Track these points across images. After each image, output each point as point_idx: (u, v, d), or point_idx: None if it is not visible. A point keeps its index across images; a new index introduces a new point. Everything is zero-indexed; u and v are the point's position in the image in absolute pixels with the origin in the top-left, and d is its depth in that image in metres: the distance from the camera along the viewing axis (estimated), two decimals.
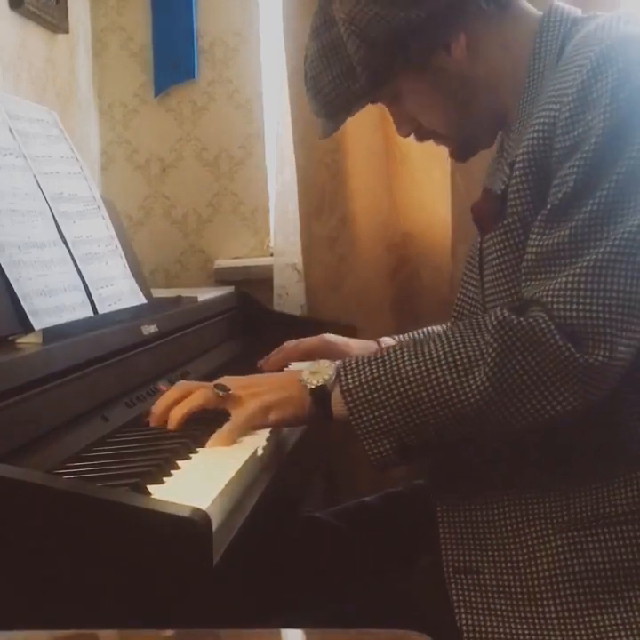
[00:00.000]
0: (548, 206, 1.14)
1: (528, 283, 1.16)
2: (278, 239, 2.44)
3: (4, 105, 1.55)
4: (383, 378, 1.15)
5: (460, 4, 1.23)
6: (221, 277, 2.52)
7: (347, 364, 1.18)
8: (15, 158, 1.50)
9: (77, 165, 1.71)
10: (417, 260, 2.36)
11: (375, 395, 1.14)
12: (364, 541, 1.46)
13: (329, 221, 2.33)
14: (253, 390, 1.23)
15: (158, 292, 1.90)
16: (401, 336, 1.65)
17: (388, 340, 1.65)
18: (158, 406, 1.26)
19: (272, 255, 2.47)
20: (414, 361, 1.14)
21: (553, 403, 1.10)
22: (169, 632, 0.78)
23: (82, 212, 1.64)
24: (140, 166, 2.59)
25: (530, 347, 1.09)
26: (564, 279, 1.11)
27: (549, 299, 1.11)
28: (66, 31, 2.34)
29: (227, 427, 1.21)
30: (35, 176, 1.53)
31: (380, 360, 1.17)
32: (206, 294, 2.05)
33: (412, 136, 1.36)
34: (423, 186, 2.33)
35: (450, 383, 1.12)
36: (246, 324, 2.17)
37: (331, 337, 1.64)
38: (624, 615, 1.13)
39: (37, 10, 2.15)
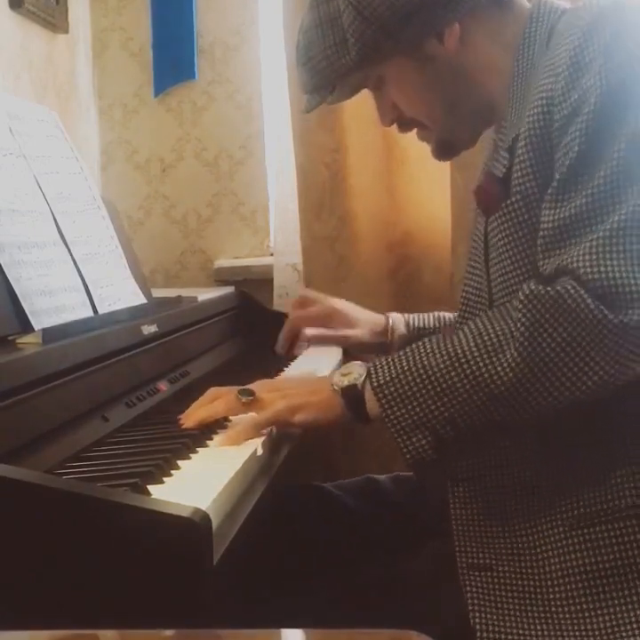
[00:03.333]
0: (557, 177, 1.12)
1: (548, 258, 1.12)
2: (278, 239, 2.44)
3: (4, 105, 1.55)
4: (414, 369, 1.13)
5: None
6: (221, 277, 2.52)
7: (377, 363, 1.16)
8: (15, 158, 1.50)
9: (77, 165, 1.71)
10: (417, 259, 2.36)
11: (406, 388, 1.12)
12: (370, 517, 1.46)
13: (329, 221, 2.33)
14: (282, 393, 1.23)
15: (158, 292, 1.90)
16: (408, 315, 1.66)
17: (395, 315, 1.65)
18: (189, 412, 1.26)
19: (272, 255, 2.47)
20: (443, 349, 1.12)
21: (589, 373, 1.06)
22: (169, 632, 0.78)
23: (82, 212, 1.63)
24: (140, 166, 2.59)
25: (560, 316, 1.06)
26: (588, 244, 1.07)
27: (576, 264, 1.07)
28: (66, 31, 2.34)
29: (249, 422, 1.20)
30: (35, 176, 1.53)
31: (408, 354, 1.15)
32: (206, 294, 2.04)
33: (395, 126, 1.35)
34: (423, 185, 2.33)
35: (480, 365, 1.09)
36: (246, 324, 2.16)
37: (338, 304, 1.65)
38: (637, 613, 1.12)
39: (37, 10, 2.15)
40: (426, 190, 2.33)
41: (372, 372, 1.15)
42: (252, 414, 1.23)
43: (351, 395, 1.17)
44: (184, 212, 2.58)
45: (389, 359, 1.16)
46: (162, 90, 2.56)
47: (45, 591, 0.88)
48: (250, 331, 2.14)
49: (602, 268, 1.06)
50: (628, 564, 1.14)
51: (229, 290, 2.27)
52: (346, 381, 1.17)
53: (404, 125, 1.35)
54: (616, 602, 1.13)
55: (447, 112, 1.30)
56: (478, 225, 1.30)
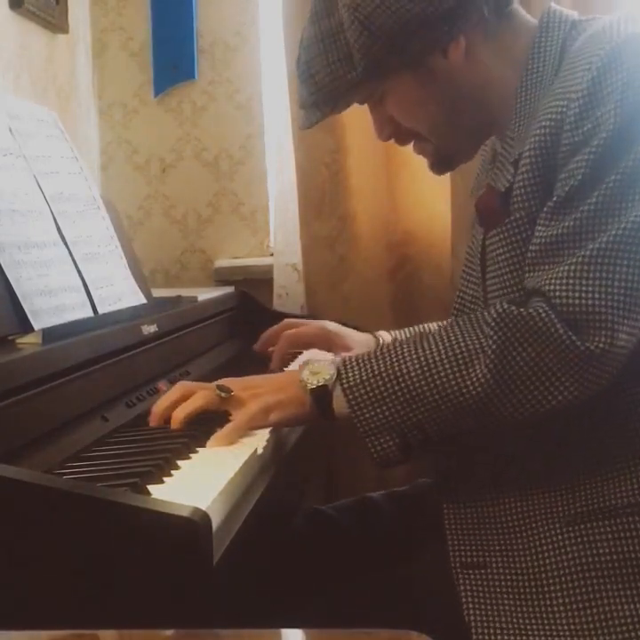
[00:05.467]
0: (554, 198, 1.15)
1: (531, 273, 1.16)
2: (278, 239, 2.44)
3: (4, 105, 1.55)
4: (384, 374, 1.15)
5: (464, 8, 1.23)
6: (221, 277, 2.52)
7: (347, 363, 1.18)
8: (15, 158, 1.50)
9: (77, 165, 1.71)
10: (417, 259, 2.36)
11: (377, 391, 1.15)
12: (367, 536, 1.46)
13: (329, 221, 2.33)
14: (254, 391, 1.24)
15: (158, 292, 1.90)
16: (397, 331, 1.67)
17: (384, 334, 1.67)
18: (159, 406, 1.26)
19: (272, 255, 2.47)
20: (415, 356, 1.15)
21: (554, 393, 1.10)
22: (169, 632, 0.78)
23: (82, 212, 1.63)
24: (140, 166, 2.59)
25: (530, 337, 1.10)
26: (566, 268, 1.11)
27: (551, 287, 1.11)
28: (66, 31, 2.34)
29: (228, 427, 1.21)
30: (35, 176, 1.53)
31: (380, 357, 1.17)
32: (206, 294, 2.04)
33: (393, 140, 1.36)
34: (423, 185, 2.33)
35: (451, 377, 1.12)
36: (246, 324, 2.16)
37: (331, 326, 1.65)
38: (631, 607, 1.13)
39: (37, 10, 2.15)
40: (426, 190, 2.33)
41: (343, 372, 1.18)
42: (229, 422, 1.23)
43: (320, 394, 1.19)
44: (184, 211, 2.58)
45: (360, 360, 1.18)
46: (162, 90, 2.56)
47: (45, 591, 0.88)
48: (250, 331, 2.14)
49: (574, 295, 1.10)
50: (622, 559, 1.15)
51: (229, 290, 2.27)
52: (315, 381, 1.19)
53: (402, 138, 1.36)
54: (610, 596, 1.14)
55: (449, 125, 1.30)
56: (476, 233, 1.30)
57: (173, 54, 2.54)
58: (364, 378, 1.16)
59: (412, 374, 1.14)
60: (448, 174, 2.21)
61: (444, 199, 2.27)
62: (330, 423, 1.22)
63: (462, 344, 1.14)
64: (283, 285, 2.43)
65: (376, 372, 1.16)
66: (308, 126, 1.35)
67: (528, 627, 1.15)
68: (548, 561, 1.17)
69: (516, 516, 1.20)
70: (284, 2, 2.30)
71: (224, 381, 1.26)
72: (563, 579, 1.15)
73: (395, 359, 1.16)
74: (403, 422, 1.14)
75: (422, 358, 1.15)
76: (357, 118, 2.28)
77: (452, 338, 1.15)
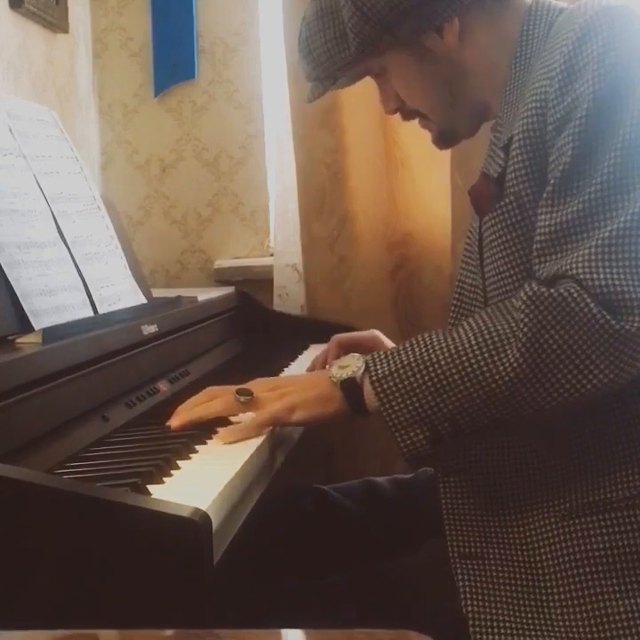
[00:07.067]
0: (552, 182, 1.13)
1: (544, 262, 1.13)
2: (278, 239, 2.44)
3: (4, 105, 1.55)
4: (414, 364, 1.12)
5: None
6: (221, 277, 2.52)
7: (376, 356, 1.16)
8: (15, 158, 1.50)
9: (77, 165, 1.71)
10: (417, 259, 2.36)
11: (406, 382, 1.12)
12: (370, 521, 1.46)
13: (329, 221, 2.33)
14: (280, 391, 1.22)
15: (158, 292, 1.90)
16: None
17: None
18: (183, 408, 1.25)
19: (272, 255, 2.47)
20: (444, 345, 1.12)
21: (589, 376, 1.07)
22: (169, 632, 0.78)
23: (82, 212, 1.63)
24: (140, 166, 2.59)
25: (562, 319, 1.07)
26: (587, 251, 1.08)
27: (576, 270, 1.08)
28: (66, 31, 2.34)
29: (248, 422, 1.20)
30: (35, 176, 1.53)
31: (409, 348, 1.14)
32: (206, 294, 2.04)
33: (399, 114, 1.37)
34: (423, 185, 2.33)
35: (482, 363, 1.09)
36: (246, 324, 2.17)
37: (381, 336, 1.63)
38: (627, 602, 1.13)
39: (37, 10, 2.15)
40: (426, 191, 2.33)
41: (371, 364, 1.15)
42: (250, 415, 1.23)
43: (349, 388, 1.16)
44: (184, 211, 2.58)
45: (388, 352, 1.16)
46: (162, 90, 2.56)
47: (45, 591, 0.88)
48: (250, 331, 2.15)
49: (601, 276, 1.07)
50: (617, 553, 1.14)
51: (229, 290, 2.27)
52: (344, 374, 1.17)
53: (407, 114, 1.36)
54: (606, 590, 1.14)
55: (446, 105, 1.31)
56: (474, 222, 1.30)
57: (173, 54, 2.54)
58: (393, 369, 1.13)
59: (442, 363, 1.11)
60: (448, 174, 2.22)
61: (444, 199, 2.27)
62: (362, 419, 1.18)
63: (493, 330, 1.10)
64: (283, 286, 2.43)
65: (405, 363, 1.13)
66: (311, 100, 1.37)
67: (524, 619, 1.15)
68: (543, 556, 1.17)
69: (512, 509, 1.19)
70: (284, 2, 2.30)
71: (249, 384, 1.25)
72: (559, 574, 1.15)
73: (424, 349, 1.13)
74: (433, 413, 1.11)
75: (452, 347, 1.11)
76: (357, 118, 2.29)
77: (482, 325, 1.12)
